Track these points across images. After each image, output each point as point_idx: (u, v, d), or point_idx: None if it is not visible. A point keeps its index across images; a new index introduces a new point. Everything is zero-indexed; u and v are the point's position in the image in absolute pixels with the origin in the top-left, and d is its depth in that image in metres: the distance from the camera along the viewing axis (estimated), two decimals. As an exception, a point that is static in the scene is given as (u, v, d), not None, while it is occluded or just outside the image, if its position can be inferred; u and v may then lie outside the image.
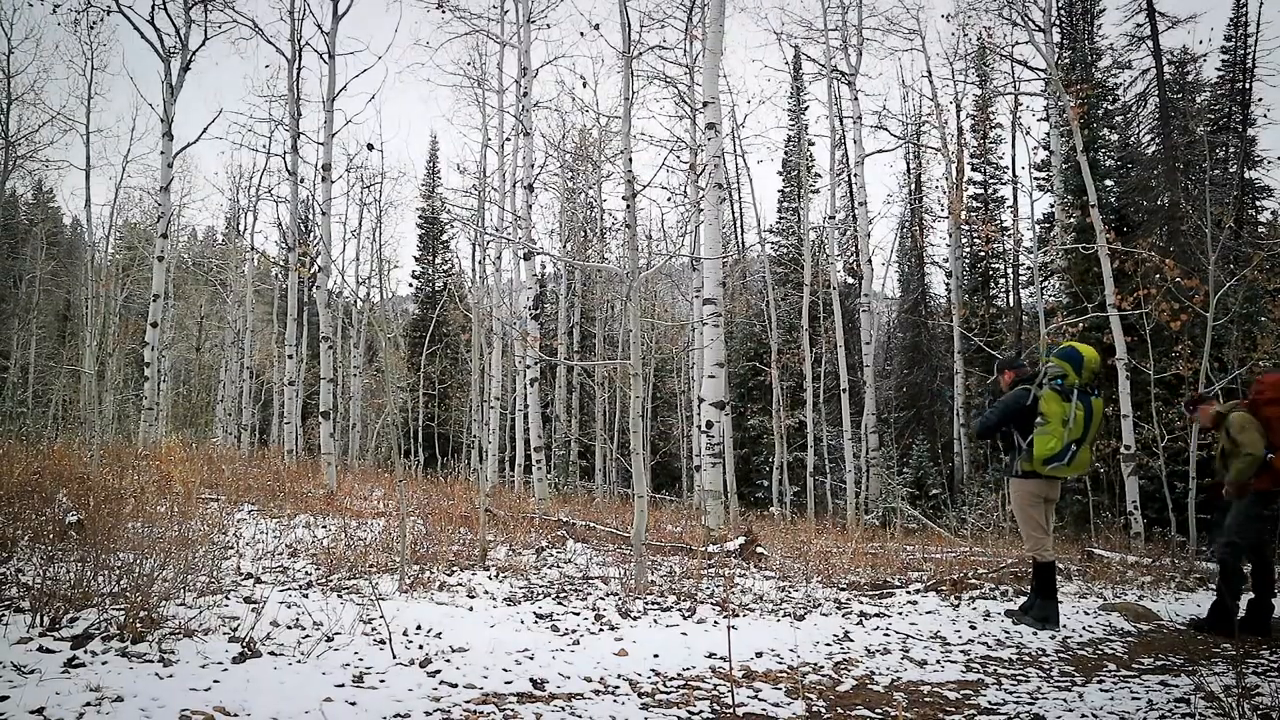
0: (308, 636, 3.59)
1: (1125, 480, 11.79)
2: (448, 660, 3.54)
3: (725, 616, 4.82)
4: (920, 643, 4.79)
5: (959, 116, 24.46)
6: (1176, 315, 11.53)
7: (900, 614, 5.50)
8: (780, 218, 27.39)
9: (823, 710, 3.40)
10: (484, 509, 6.95)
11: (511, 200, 17.46)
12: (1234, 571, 5.71)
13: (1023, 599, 6.67)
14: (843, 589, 6.31)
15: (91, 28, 18.38)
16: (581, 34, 29.33)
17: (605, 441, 23.63)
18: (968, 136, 24.99)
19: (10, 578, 3.76)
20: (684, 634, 4.42)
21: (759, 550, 7.50)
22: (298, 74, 13.74)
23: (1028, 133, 26.29)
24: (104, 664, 2.97)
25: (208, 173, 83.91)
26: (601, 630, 4.38)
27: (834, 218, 22.54)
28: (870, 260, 18.45)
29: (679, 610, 4.98)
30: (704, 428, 8.98)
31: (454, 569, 5.63)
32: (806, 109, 25.86)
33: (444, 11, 14.62)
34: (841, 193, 25.00)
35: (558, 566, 6.49)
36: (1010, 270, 25.08)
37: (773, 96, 43.98)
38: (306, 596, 4.35)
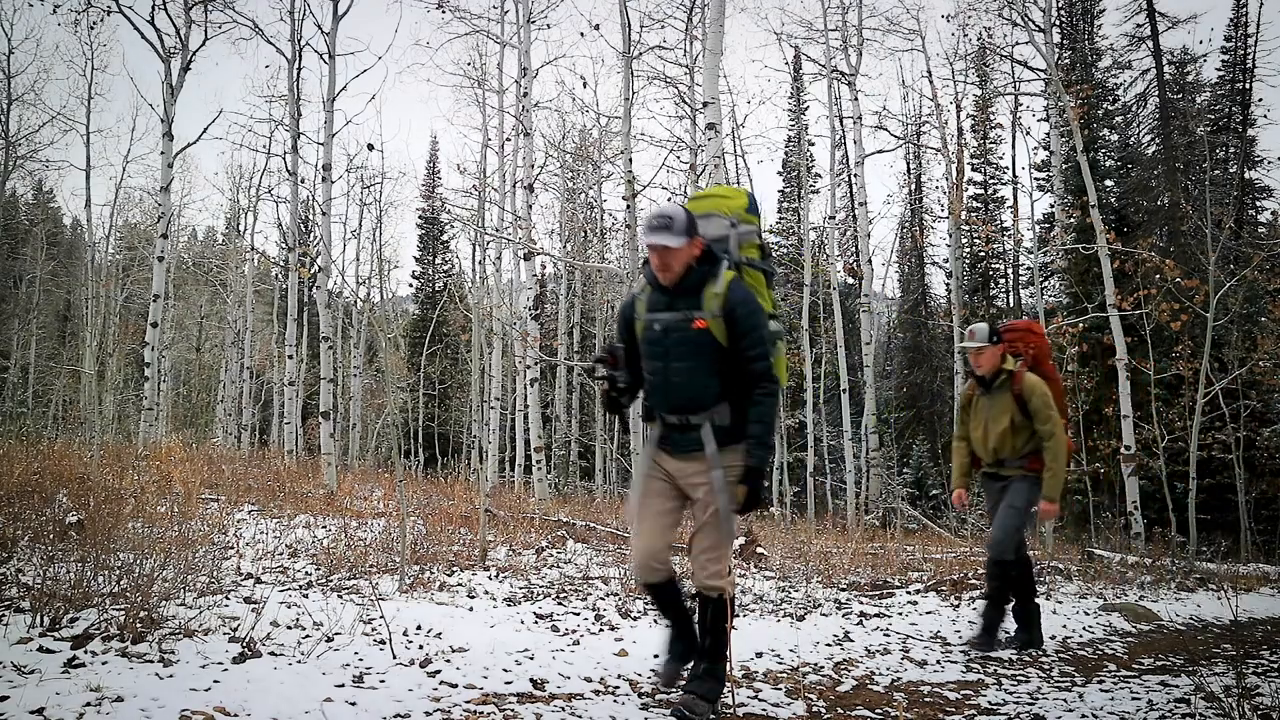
0: (308, 636, 3.59)
1: (1125, 480, 11.78)
2: (448, 660, 3.53)
3: (725, 617, 4.81)
4: (920, 643, 4.79)
5: (959, 117, 24.44)
6: (1176, 315, 11.53)
7: (900, 614, 5.50)
8: (780, 218, 27.43)
9: (823, 710, 3.40)
10: (484, 509, 6.95)
11: (511, 200, 17.45)
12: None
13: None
14: (843, 589, 6.31)
15: (91, 28, 18.42)
16: (581, 34, 29.51)
17: (605, 441, 23.62)
18: (968, 136, 25.02)
19: (10, 578, 3.76)
20: (684, 634, 4.41)
21: (759, 550, 7.50)
22: (298, 74, 13.73)
23: (1028, 133, 26.36)
24: (104, 664, 2.96)
25: (208, 173, 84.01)
26: (601, 630, 4.38)
27: (834, 218, 22.55)
28: (870, 260, 18.44)
29: (679, 610, 4.97)
30: (704, 428, 8.93)
31: (454, 569, 5.63)
32: (806, 109, 25.91)
33: (444, 12, 14.60)
34: (841, 193, 25.02)
35: (558, 567, 6.48)
36: (1010, 270, 25.13)
37: (773, 97, 44.10)
38: (306, 597, 4.34)
